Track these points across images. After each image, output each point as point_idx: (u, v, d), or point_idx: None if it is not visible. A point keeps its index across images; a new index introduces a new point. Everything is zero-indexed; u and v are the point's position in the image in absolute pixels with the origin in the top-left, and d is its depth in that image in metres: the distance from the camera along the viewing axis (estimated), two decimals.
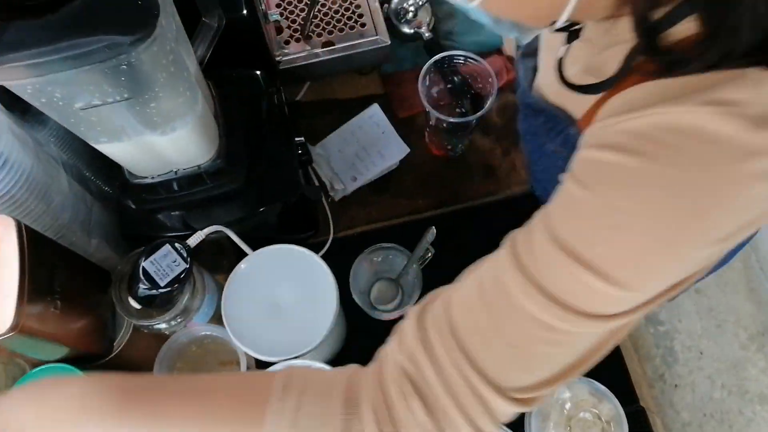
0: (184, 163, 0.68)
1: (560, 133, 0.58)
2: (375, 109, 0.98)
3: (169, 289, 0.62)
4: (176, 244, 0.62)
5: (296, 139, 0.83)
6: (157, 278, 0.61)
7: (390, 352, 0.46)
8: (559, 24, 0.40)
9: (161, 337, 0.73)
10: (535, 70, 0.64)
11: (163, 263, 0.61)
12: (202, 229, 0.74)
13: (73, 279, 0.64)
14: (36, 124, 0.67)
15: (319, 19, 0.94)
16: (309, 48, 0.92)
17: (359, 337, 0.86)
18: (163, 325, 0.69)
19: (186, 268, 0.62)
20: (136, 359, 0.75)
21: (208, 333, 0.74)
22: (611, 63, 0.41)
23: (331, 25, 0.93)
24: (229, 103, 0.74)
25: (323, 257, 0.88)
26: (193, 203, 0.73)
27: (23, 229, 0.57)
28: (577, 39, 0.49)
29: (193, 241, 0.65)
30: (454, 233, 0.92)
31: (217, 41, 0.77)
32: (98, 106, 0.52)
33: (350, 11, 0.94)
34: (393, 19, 1.01)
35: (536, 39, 0.63)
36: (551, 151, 0.61)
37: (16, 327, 0.55)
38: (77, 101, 0.50)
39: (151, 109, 0.55)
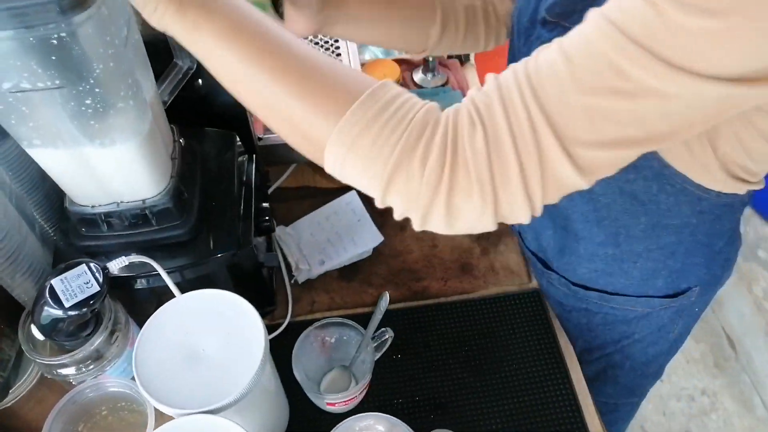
0: (127, 194, 0.64)
1: None
2: (353, 197, 0.96)
3: (75, 312, 0.55)
4: (92, 265, 0.57)
5: (263, 204, 0.80)
6: (63, 298, 0.55)
7: (469, 94, 0.48)
8: None
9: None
10: None
11: (74, 283, 0.55)
12: (137, 276, 0.69)
13: None
14: None
15: None
16: None
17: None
18: (70, 370, 0.62)
19: (98, 292, 0.56)
20: (36, 415, 0.65)
21: (123, 391, 0.65)
22: None
23: None
24: (192, 151, 0.73)
25: (276, 339, 0.82)
26: (135, 245, 0.68)
27: None
28: None
29: (114, 266, 0.60)
30: (420, 329, 0.84)
31: (199, 106, 0.79)
32: (28, 92, 0.50)
33: None
34: None
35: None
36: None
37: None
38: (4, 80, 0.49)
39: (87, 108, 0.53)
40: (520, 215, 0.48)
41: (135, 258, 0.61)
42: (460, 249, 0.94)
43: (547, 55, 0.45)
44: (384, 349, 0.78)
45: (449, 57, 1.19)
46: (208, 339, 0.60)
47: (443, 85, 1.13)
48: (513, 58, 0.72)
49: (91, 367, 0.63)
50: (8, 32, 0.45)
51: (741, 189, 0.64)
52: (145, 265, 0.66)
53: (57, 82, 0.50)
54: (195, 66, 0.70)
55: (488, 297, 0.88)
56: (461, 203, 0.47)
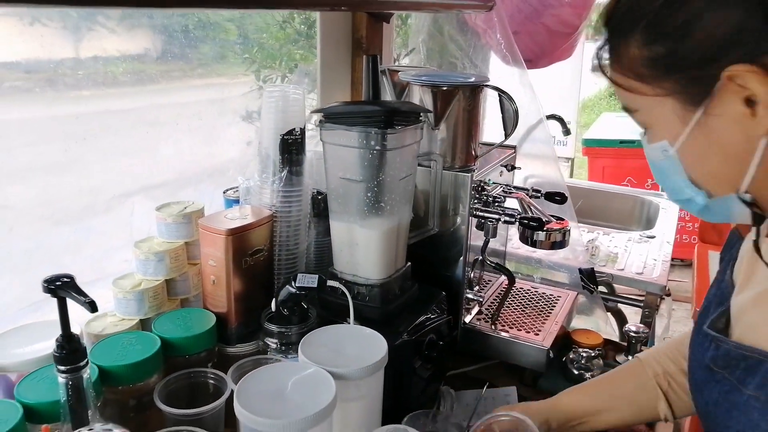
0: (362, 270, 1.04)
1: (756, 374, 0.67)
2: (512, 390, 1.15)
3: (298, 293, 0.93)
4: (322, 276, 0.96)
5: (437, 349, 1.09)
6: (299, 283, 0.94)
7: None
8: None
9: None
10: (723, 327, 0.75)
11: (306, 279, 0.95)
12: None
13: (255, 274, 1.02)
14: None
15: (509, 312, 1.25)
16: (491, 327, 1.22)
17: None
18: (274, 341, 0.97)
19: (313, 287, 0.94)
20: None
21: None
22: None
23: (514, 319, 1.23)
24: (409, 275, 1.10)
25: None
26: (340, 306, 1.03)
27: (273, 219, 1.02)
28: None
29: (329, 282, 0.97)
30: None
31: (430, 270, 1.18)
32: (347, 180, 0.98)
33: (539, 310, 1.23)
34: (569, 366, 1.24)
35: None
36: (745, 398, 0.68)
37: None
38: (339, 171, 0.98)
39: (368, 199, 0.98)
40: None
41: (336, 284, 0.97)
42: None
43: None
44: None
45: None
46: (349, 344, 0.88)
47: None
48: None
49: (284, 347, 0.97)
50: (353, 145, 0.95)
51: None
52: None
53: (361, 177, 0.97)
54: (438, 230, 1.12)
55: None
56: None
